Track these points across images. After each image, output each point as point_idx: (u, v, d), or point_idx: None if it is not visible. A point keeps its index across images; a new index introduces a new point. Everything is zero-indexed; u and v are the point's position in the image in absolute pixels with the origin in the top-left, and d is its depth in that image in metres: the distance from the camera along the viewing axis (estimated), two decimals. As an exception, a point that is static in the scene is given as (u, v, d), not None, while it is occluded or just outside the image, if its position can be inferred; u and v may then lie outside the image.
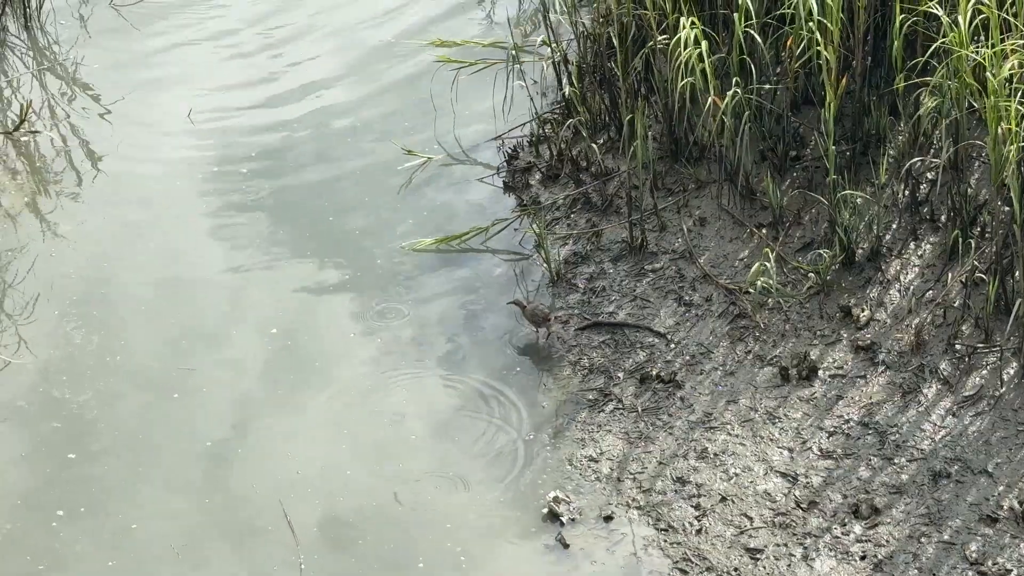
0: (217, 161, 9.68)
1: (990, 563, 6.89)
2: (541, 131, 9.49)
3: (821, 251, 8.22)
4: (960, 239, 7.97)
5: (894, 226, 8.33)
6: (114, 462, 7.63)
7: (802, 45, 8.36)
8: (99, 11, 11.17)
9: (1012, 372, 7.53)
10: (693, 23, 8.39)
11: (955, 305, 7.86)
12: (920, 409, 7.54)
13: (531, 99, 9.64)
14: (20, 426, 7.82)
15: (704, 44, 8.35)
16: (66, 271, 8.78)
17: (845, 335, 7.95)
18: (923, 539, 7.03)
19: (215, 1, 11.32)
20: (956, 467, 7.26)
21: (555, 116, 9.57)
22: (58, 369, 8.12)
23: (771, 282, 8.11)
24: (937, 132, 8.32)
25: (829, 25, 8.15)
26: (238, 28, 11.00)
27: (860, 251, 8.23)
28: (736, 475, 7.44)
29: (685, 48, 8.37)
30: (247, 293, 8.66)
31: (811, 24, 8.18)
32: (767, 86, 8.63)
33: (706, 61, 8.35)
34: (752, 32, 8.48)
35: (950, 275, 7.99)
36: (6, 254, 8.89)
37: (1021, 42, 7.76)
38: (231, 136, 9.92)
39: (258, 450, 7.69)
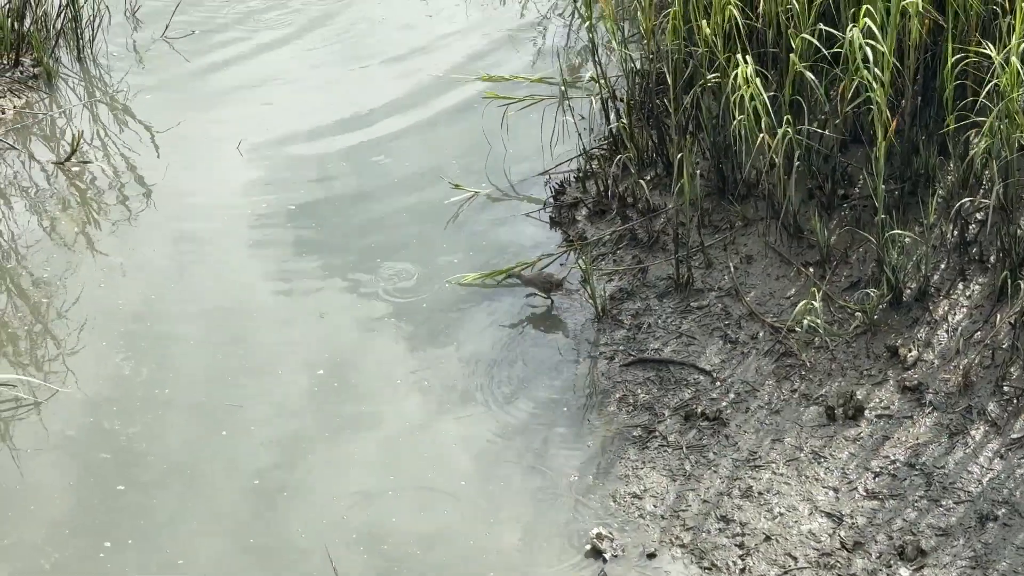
0: (265, 194, 9.73)
1: (1038, 608, 6.85)
2: (588, 167, 9.51)
3: (868, 290, 8.19)
4: (1009, 280, 7.93)
5: (942, 266, 8.29)
6: (163, 495, 7.64)
7: (854, 87, 8.34)
8: (151, 44, 11.30)
9: (1061, 415, 7.50)
10: (747, 60, 8.39)
11: (1004, 347, 7.82)
12: (967, 451, 7.50)
13: (579, 134, 9.67)
14: (69, 456, 7.85)
15: (757, 81, 8.35)
16: (115, 302, 8.83)
17: (892, 375, 7.91)
18: (970, 582, 7.00)
19: (265, 36, 11.42)
20: (1003, 510, 7.21)
21: (602, 152, 9.58)
22: (107, 400, 8.16)
23: (818, 321, 8.09)
24: (987, 172, 8.28)
25: (879, 72, 8.12)
26: (289, 63, 11.09)
27: (908, 291, 8.20)
28: (781, 514, 7.41)
29: (740, 85, 8.35)
30: (294, 328, 8.68)
31: (864, 71, 8.13)
32: (817, 123, 8.61)
33: (757, 100, 8.33)
34: (803, 70, 8.48)
35: (999, 316, 7.95)
36: (56, 283, 8.95)
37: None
38: (280, 169, 9.98)
39: (304, 492, 7.68)
